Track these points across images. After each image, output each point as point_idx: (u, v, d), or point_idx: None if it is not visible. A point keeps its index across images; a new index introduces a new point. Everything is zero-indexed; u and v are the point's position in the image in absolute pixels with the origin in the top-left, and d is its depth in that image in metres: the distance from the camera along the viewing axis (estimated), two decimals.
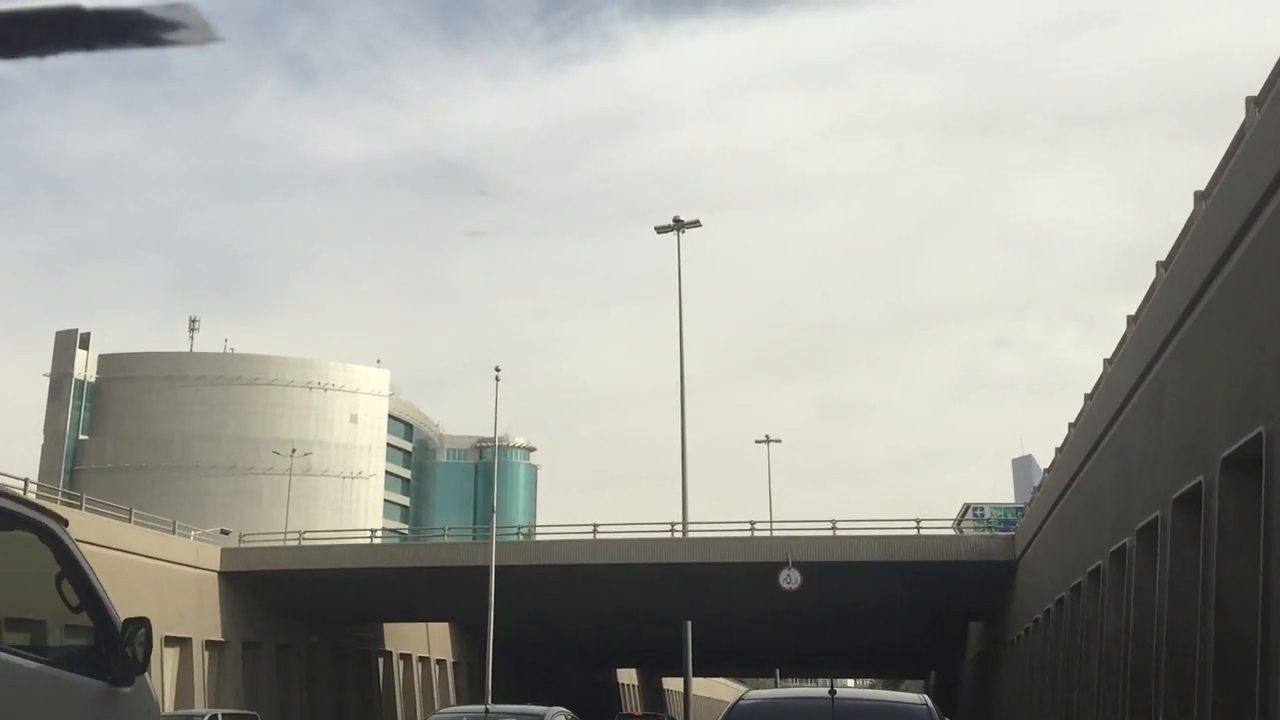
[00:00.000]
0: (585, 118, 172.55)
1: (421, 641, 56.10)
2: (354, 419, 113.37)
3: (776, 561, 38.19)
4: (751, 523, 39.74)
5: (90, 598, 6.32)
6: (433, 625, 56.23)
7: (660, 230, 39.69)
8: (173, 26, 3.11)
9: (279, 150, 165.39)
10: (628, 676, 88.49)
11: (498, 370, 44.19)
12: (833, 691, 9.10)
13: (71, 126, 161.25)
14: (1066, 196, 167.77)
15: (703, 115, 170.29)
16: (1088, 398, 25.22)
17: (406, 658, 55.24)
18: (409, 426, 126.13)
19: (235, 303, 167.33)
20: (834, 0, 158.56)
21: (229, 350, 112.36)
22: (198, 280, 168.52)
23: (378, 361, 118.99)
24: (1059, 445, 29.22)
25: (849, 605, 40.29)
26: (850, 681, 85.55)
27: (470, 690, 56.83)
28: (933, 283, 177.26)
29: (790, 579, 37.76)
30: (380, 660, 54.01)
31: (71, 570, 6.26)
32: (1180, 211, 16.15)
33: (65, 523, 6.33)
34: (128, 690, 6.42)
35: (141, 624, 6.45)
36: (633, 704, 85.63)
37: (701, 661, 41.78)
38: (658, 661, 74.96)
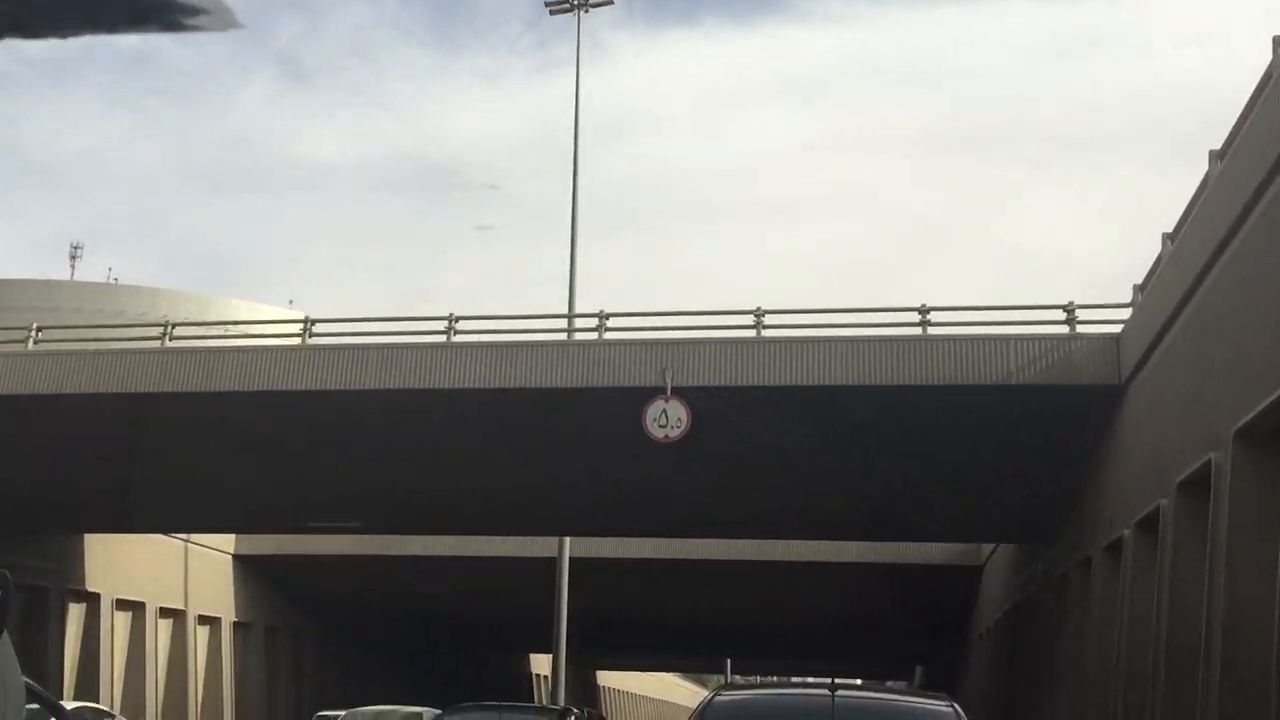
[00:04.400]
0: (571, 124, 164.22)
1: (170, 583, 36.35)
2: None
3: (644, 387, 19.94)
4: (602, 314, 21.52)
5: None
6: (201, 558, 37.47)
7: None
8: (195, 11, 3.05)
9: (268, 148, 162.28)
10: (547, 665, 69.58)
11: None
12: (834, 688, 7.00)
13: (60, 119, 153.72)
14: (1050, 218, 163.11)
15: (690, 125, 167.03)
16: None
17: (132, 609, 34.19)
18: None
19: None
20: (824, 16, 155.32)
21: (112, 280, 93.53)
22: (183, 276, 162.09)
23: (290, 302, 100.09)
24: None
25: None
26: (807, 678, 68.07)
27: (289, 678, 41.83)
28: (917, 298, 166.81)
29: (664, 419, 19.44)
30: (70, 606, 31.50)
31: None
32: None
33: None
34: None
35: None
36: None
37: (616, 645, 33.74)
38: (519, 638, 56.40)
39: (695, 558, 37.88)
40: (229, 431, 20.39)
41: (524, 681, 64.96)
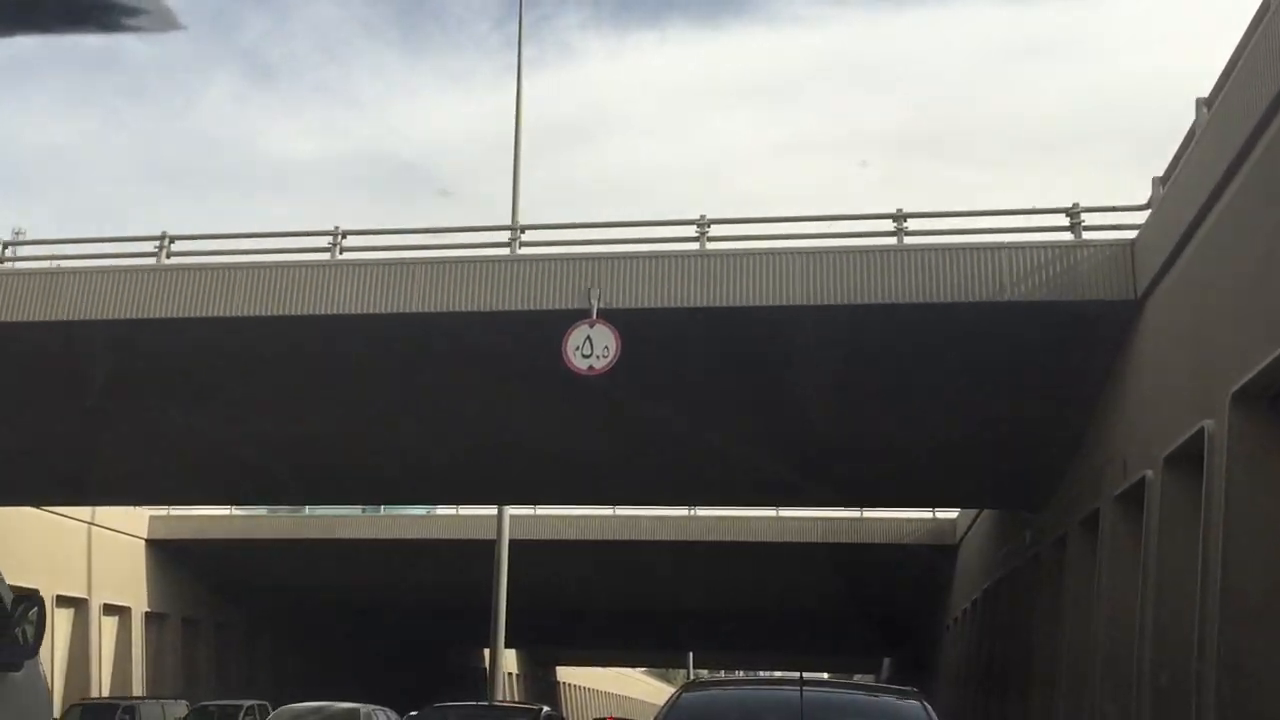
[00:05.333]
0: (541, 125, 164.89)
1: (70, 568, 32.60)
2: None
3: (565, 310, 16.65)
4: (517, 227, 17.95)
5: None
6: (109, 542, 33.86)
7: None
8: (132, 12, 3.01)
9: (234, 147, 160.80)
10: (503, 661, 66.08)
11: None
12: (801, 683, 6.96)
13: (23, 117, 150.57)
14: (1011, 220, 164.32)
15: (657, 127, 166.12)
16: None
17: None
18: None
19: None
20: (790, 18, 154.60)
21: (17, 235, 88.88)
22: None
23: None
24: None
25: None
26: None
27: (211, 675, 38.06)
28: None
29: (589, 347, 16.11)
30: None
31: None
32: None
33: None
34: (16, 675, 5.72)
35: (34, 602, 5.79)
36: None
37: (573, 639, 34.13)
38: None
39: (644, 539, 34.76)
40: (75, 371, 16.95)
41: (478, 677, 61.72)
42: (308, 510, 40.08)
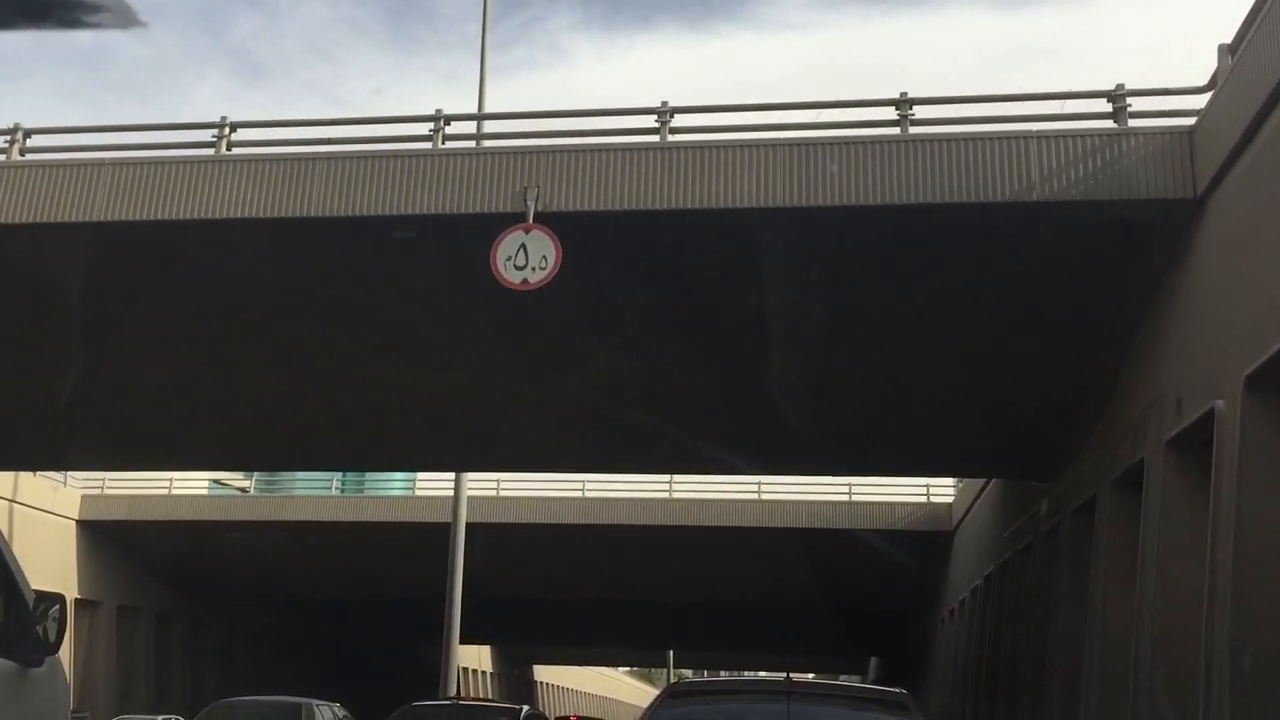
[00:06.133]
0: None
1: None
2: None
3: (496, 214, 13.79)
4: (440, 116, 14.98)
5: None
6: (35, 523, 30.94)
7: None
8: (94, 9, 3.00)
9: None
10: (477, 658, 63.20)
11: None
12: (789, 682, 7.20)
13: (10, 113, 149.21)
14: None
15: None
16: None
17: None
18: None
19: None
20: (781, 23, 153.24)
21: None
22: None
23: None
24: None
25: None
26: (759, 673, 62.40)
27: (151, 667, 35.35)
28: None
29: (523, 257, 13.32)
30: None
31: None
32: None
33: None
34: (39, 670, 5.89)
35: (55, 600, 6.00)
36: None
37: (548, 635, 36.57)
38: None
39: (612, 523, 31.95)
40: None
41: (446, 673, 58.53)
42: (254, 489, 37.26)
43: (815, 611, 39.62)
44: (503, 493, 33.39)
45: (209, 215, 12.93)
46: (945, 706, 27.28)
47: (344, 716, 22.88)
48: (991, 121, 12.22)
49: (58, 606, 6.04)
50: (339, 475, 49.53)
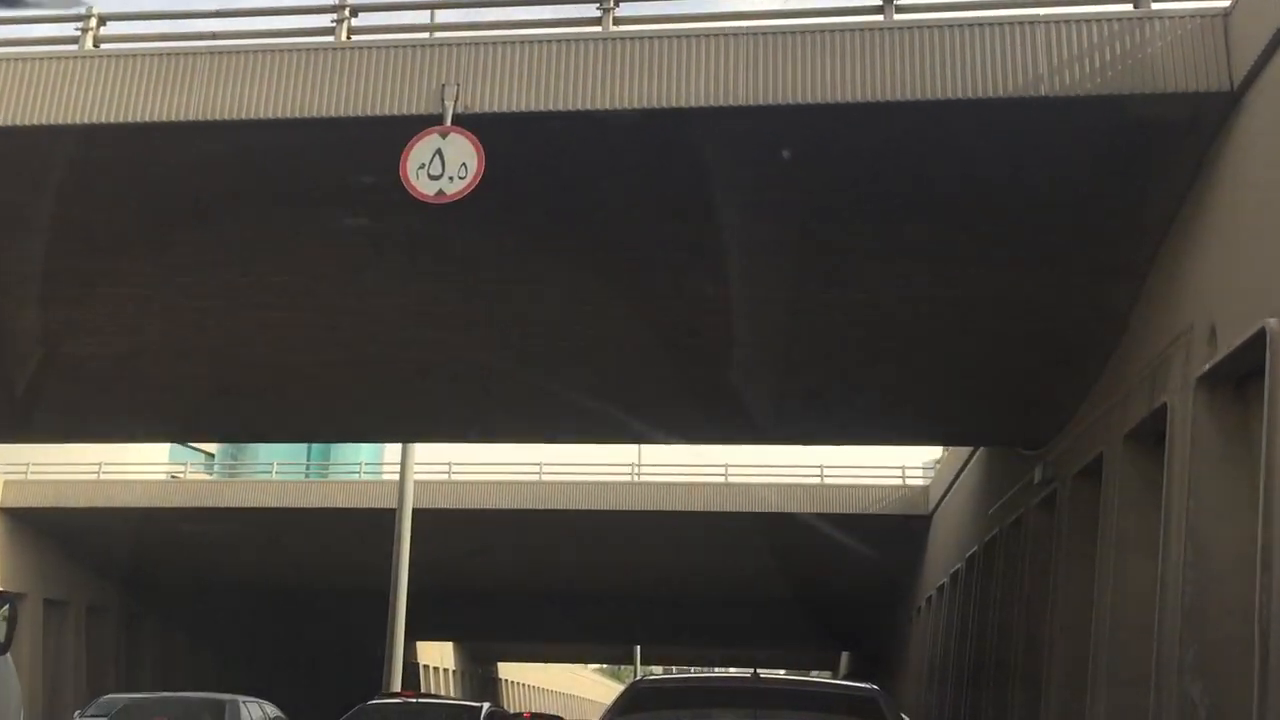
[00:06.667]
0: None
1: None
2: None
3: (409, 116, 11.88)
4: (344, 5, 13.11)
5: None
6: None
7: None
8: None
9: None
10: (439, 656, 61.08)
11: None
12: (755, 678, 7.08)
13: None
14: None
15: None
16: None
17: None
18: None
19: None
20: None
21: None
22: None
23: None
24: None
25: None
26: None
27: (80, 666, 33.16)
28: None
29: (439, 165, 11.54)
30: None
31: None
32: None
33: None
34: None
35: (4, 600, 5.88)
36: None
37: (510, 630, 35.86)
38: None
39: (569, 508, 30.05)
40: None
41: (409, 672, 56.72)
42: (188, 473, 35.08)
43: (785, 603, 37.83)
44: (455, 477, 31.46)
45: (74, 120, 10.93)
46: (923, 699, 25.54)
47: (275, 715, 20.85)
48: (992, 6, 10.35)
49: (8, 606, 5.22)
50: (303, 459, 47.53)
